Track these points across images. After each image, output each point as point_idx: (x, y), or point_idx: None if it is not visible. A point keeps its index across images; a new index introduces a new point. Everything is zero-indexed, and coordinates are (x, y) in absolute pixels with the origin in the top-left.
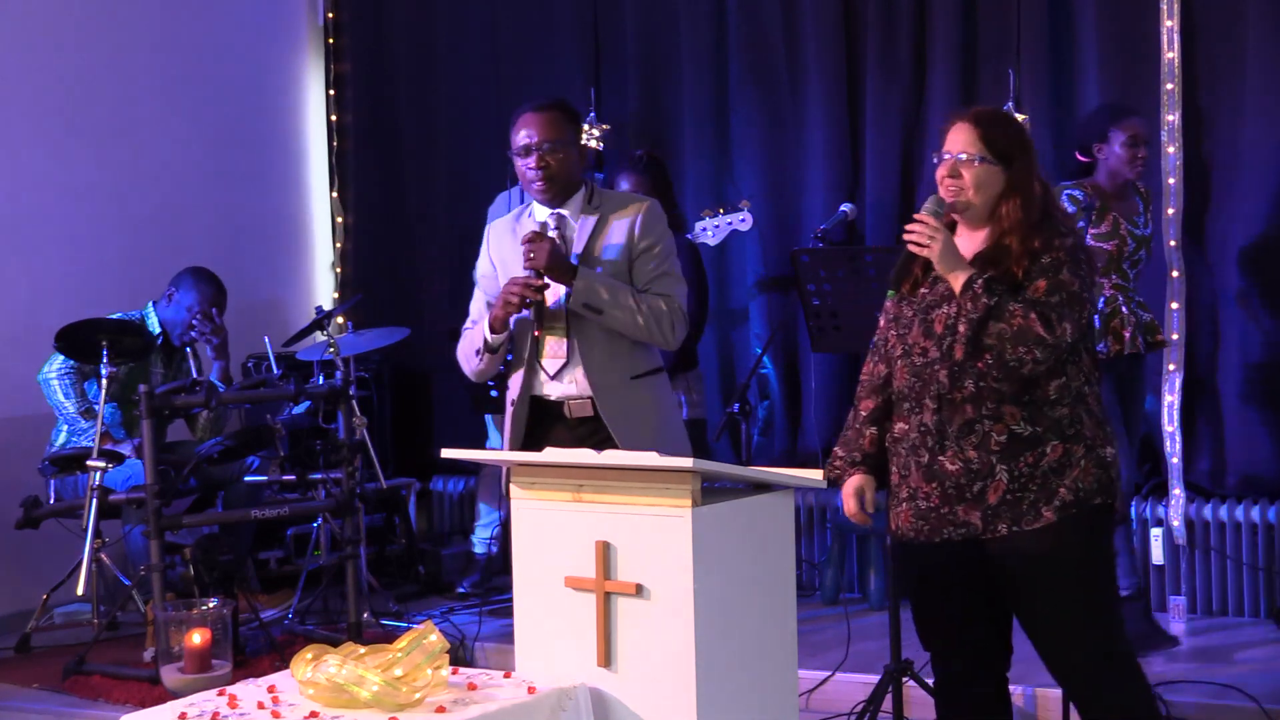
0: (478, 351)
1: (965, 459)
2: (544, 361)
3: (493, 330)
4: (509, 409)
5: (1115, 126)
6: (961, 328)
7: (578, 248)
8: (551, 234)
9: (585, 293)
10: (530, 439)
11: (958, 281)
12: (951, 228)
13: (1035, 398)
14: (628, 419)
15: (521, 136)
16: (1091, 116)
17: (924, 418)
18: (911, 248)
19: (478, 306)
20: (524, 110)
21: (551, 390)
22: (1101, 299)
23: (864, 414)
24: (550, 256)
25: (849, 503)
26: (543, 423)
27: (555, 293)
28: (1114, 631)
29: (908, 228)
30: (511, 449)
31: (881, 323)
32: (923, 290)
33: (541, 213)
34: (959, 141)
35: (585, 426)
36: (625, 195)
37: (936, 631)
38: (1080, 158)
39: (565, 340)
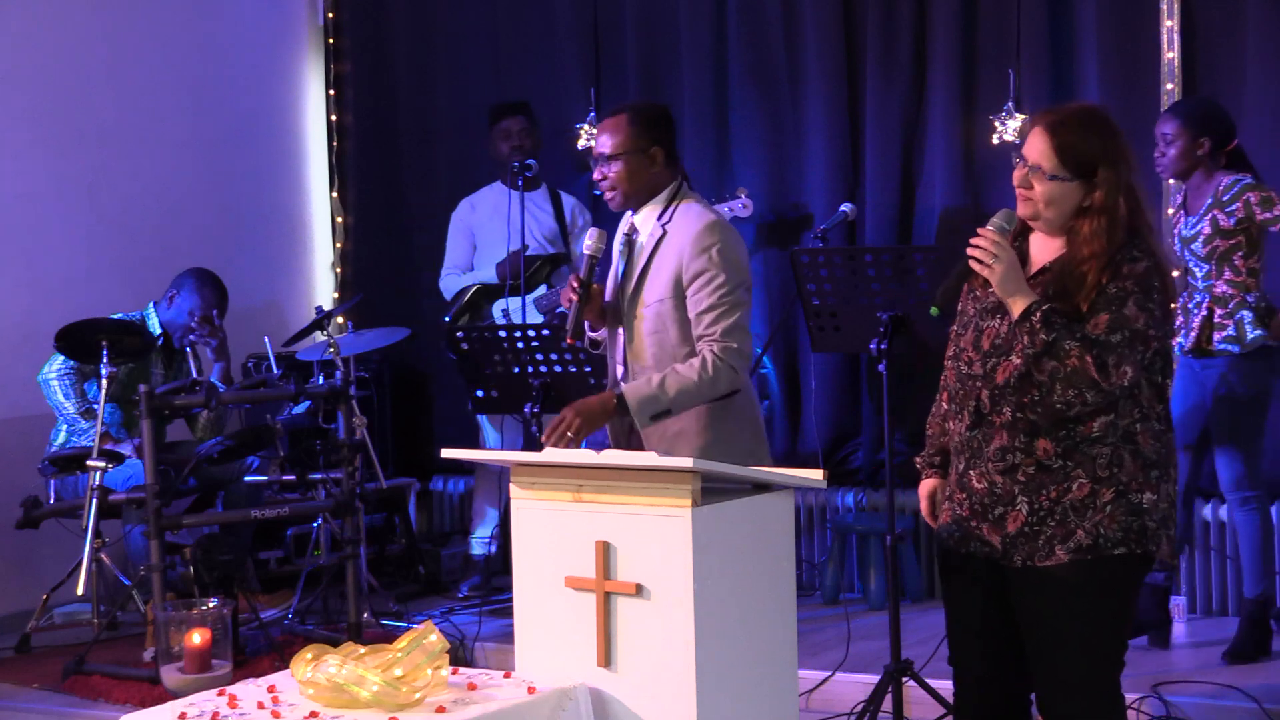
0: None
1: (991, 481)
2: (618, 369)
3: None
4: None
5: None
6: (1016, 360)
7: (637, 269)
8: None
9: (643, 409)
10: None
11: (1016, 308)
12: (1027, 229)
13: (1073, 434)
14: (669, 451)
15: (595, 144)
16: None
17: (963, 426)
18: (973, 264)
19: None
20: (602, 116)
21: None
22: None
23: (944, 408)
24: (588, 421)
25: (921, 504)
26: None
27: (607, 292)
28: (1110, 682)
29: (972, 242)
30: (613, 441)
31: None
32: (990, 290)
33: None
34: (1034, 150)
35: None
36: (693, 210)
37: (960, 636)
38: None
39: (626, 356)
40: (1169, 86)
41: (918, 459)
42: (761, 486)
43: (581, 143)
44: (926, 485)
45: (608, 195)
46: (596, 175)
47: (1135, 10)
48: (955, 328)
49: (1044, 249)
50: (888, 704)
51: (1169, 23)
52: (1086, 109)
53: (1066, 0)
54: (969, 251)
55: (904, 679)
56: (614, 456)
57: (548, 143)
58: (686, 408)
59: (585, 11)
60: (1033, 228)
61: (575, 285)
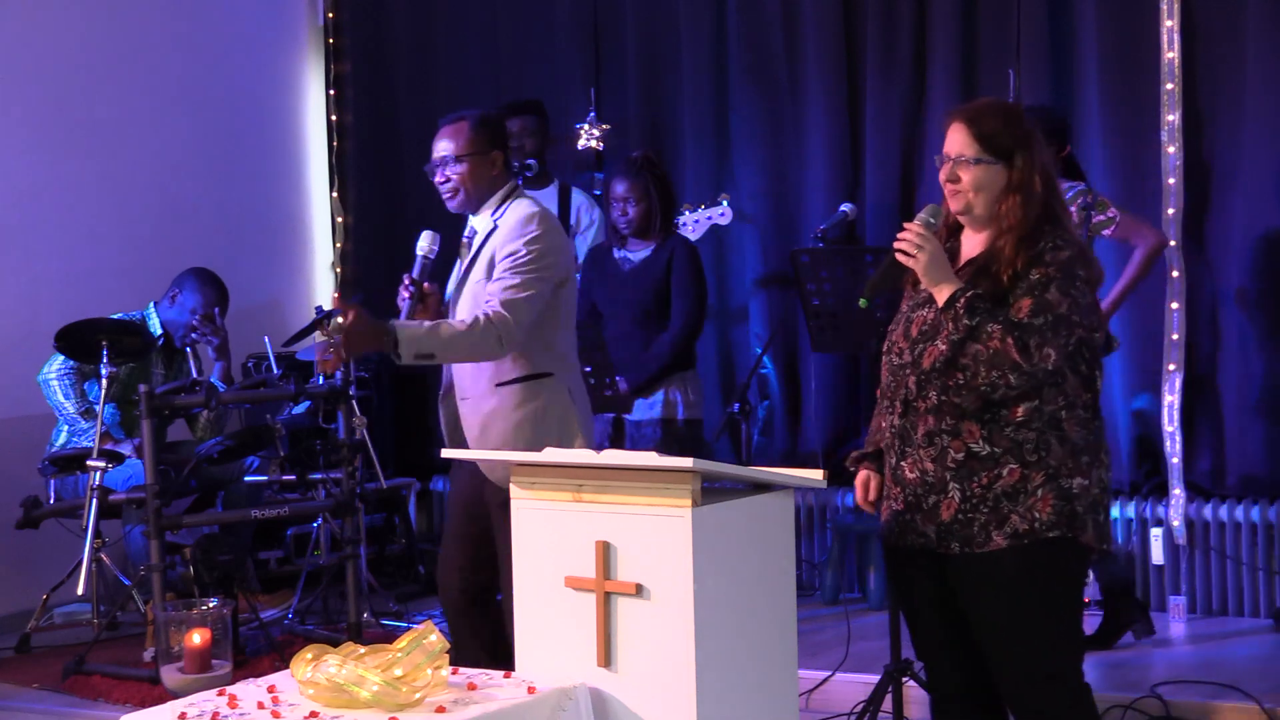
0: None
1: (922, 469)
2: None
3: None
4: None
5: None
6: (942, 346)
7: (468, 263)
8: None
9: (408, 346)
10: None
11: (941, 296)
12: (958, 228)
13: (998, 417)
14: (484, 427)
15: (434, 151)
16: None
17: (894, 419)
18: (899, 257)
19: None
20: (439, 124)
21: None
22: None
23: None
24: (354, 341)
25: (856, 493)
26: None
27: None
28: (1068, 667)
29: (898, 235)
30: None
31: None
32: (922, 286)
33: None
34: (955, 142)
35: None
36: (522, 204)
37: (920, 635)
38: None
39: None
40: (1169, 86)
41: (852, 456)
42: (761, 486)
43: (581, 143)
44: (859, 478)
45: (448, 197)
46: (438, 179)
47: (1135, 10)
48: (890, 327)
49: (973, 244)
50: (888, 704)
51: (1169, 23)
52: (997, 101)
53: (1066, 0)
54: (895, 245)
55: (904, 679)
56: (614, 456)
57: None
58: (453, 359)
59: (585, 11)
60: (963, 224)
61: (408, 284)
